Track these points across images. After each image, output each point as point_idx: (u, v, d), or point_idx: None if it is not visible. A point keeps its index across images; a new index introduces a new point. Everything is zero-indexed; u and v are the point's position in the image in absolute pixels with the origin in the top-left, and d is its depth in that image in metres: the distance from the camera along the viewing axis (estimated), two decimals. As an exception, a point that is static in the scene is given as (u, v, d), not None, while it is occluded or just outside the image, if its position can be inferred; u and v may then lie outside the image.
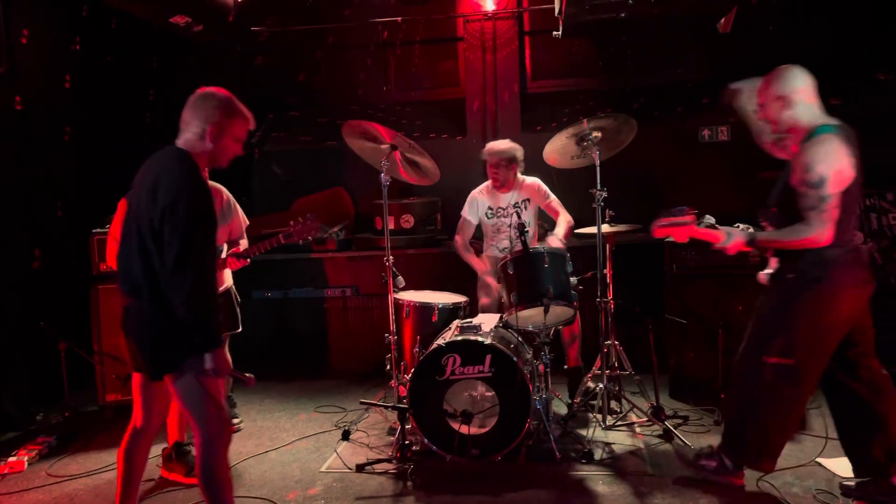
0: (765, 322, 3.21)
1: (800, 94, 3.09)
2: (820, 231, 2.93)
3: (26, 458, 4.09)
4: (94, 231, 4.84)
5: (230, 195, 4.13)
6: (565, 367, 4.67)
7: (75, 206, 5.43)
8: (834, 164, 2.92)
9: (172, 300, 2.60)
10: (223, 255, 4.03)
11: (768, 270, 3.31)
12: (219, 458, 2.77)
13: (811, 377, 3.16)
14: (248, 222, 4.24)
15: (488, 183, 4.85)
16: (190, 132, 2.78)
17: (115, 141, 5.92)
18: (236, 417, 4.59)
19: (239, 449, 4.19)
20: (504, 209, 4.75)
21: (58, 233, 5.29)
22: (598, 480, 3.55)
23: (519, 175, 4.76)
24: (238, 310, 4.34)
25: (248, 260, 3.95)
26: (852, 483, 3.25)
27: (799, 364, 3.10)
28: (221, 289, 4.16)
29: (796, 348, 3.09)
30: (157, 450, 4.03)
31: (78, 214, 5.34)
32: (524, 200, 4.74)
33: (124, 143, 6.01)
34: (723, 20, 5.07)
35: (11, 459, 4.07)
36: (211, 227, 2.72)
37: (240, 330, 4.35)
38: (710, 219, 4.71)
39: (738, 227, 3.30)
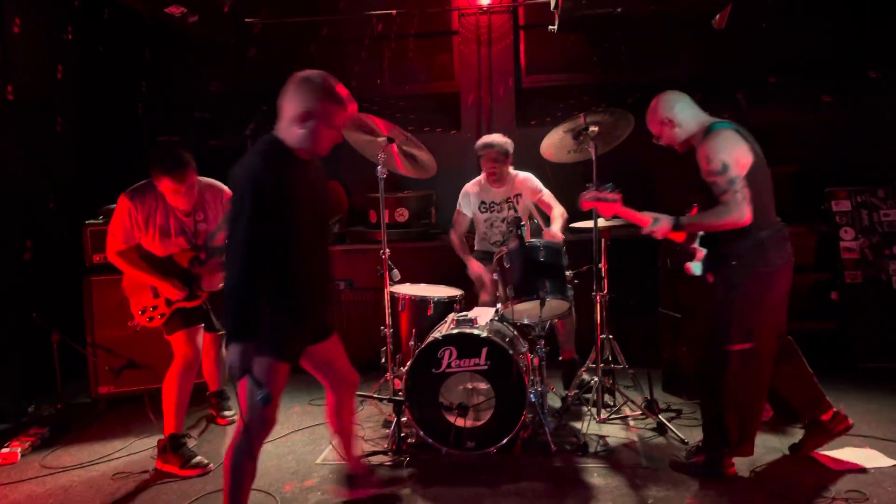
0: (717, 312, 3.34)
1: (678, 110, 3.41)
2: (738, 211, 3.13)
3: (19, 450, 4.07)
4: (87, 222, 4.82)
5: (226, 193, 4.10)
6: (560, 358, 4.69)
7: (68, 197, 5.40)
8: (731, 150, 3.19)
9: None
10: (223, 258, 4.02)
11: (696, 262, 3.41)
12: (250, 446, 2.79)
13: (770, 353, 3.38)
14: None
15: (480, 178, 4.86)
16: (284, 119, 2.73)
17: (108, 132, 5.89)
18: (229, 410, 4.58)
19: (234, 441, 4.19)
20: (497, 204, 4.76)
21: (50, 224, 5.26)
22: (594, 472, 3.57)
23: (511, 170, 4.77)
24: None
25: None
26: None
27: (758, 345, 3.28)
28: (221, 285, 4.15)
29: (753, 331, 3.27)
30: (152, 441, 4.06)
31: (70, 205, 5.31)
32: (516, 195, 4.76)
33: (117, 134, 5.99)
34: (718, 16, 5.09)
35: (4, 451, 4.05)
36: (276, 222, 2.62)
37: None
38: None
39: None
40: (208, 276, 3.96)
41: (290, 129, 2.72)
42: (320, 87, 2.71)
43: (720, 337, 3.30)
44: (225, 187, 4.06)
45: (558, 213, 4.60)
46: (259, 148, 2.73)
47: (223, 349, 4.40)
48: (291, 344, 2.84)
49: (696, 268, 3.37)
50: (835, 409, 3.51)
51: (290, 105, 2.71)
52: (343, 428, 3.29)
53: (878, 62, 5.69)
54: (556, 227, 4.46)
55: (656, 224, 3.36)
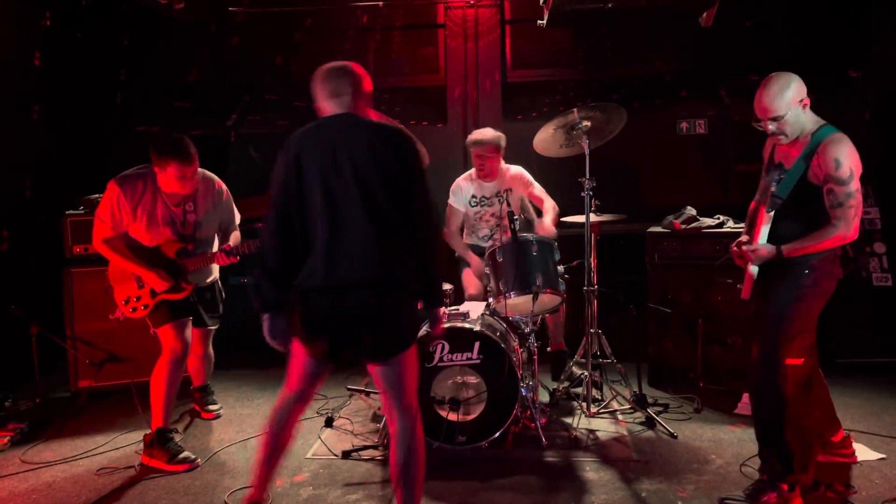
0: (780, 322, 3.08)
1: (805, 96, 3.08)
2: (846, 228, 2.95)
3: (-2, 445, 3.98)
4: (67, 213, 4.72)
5: (224, 186, 4.05)
6: (548, 349, 4.70)
7: (45, 186, 5.27)
8: (855, 159, 2.97)
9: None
10: (213, 250, 3.97)
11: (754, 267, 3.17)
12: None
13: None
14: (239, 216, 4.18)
15: (472, 172, 4.83)
16: (347, 97, 2.74)
17: (87, 121, 5.76)
18: (214, 405, 4.51)
19: (220, 436, 4.13)
20: (488, 198, 4.75)
21: (27, 214, 5.13)
22: (586, 466, 3.58)
23: (503, 164, 4.76)
24: (221, 305, 4.26)
25: (238, 257, 3.87)
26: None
27: (808, 360, 3.15)
28: (208, 280, 4.09)
29: (808, 344, 3.14)
30: (135, 436, 3.99)
31: (49, 195, 5.18)
32: (507, 189, 4.74)
33: (96, 123, 5.87)
34: (705, 14, 5.13)
35: (-18, 446, 3.95)
36: None
37: (217, 326, 4.29)
38: (690, 210, 4.81)
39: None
40: (195, 268, 3.89)
41: (364, 108, 2.80)
42: (361, 73, 2.83)
43: (780, 349, 3.05)
44: (216, 178, 4.00)
45: (549, 206, 4.60)
46: (381, 121, 2.81)
47: (209, 346, 4.34)
48: None
49: (755, 270, 3.14)
50: (845, 433, 3.50)
51: (349, 87, 2.76)
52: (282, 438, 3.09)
53: (858, 62, 5.78)
54: (548, 220, 4.47)
55: (757, 250, 3.08)
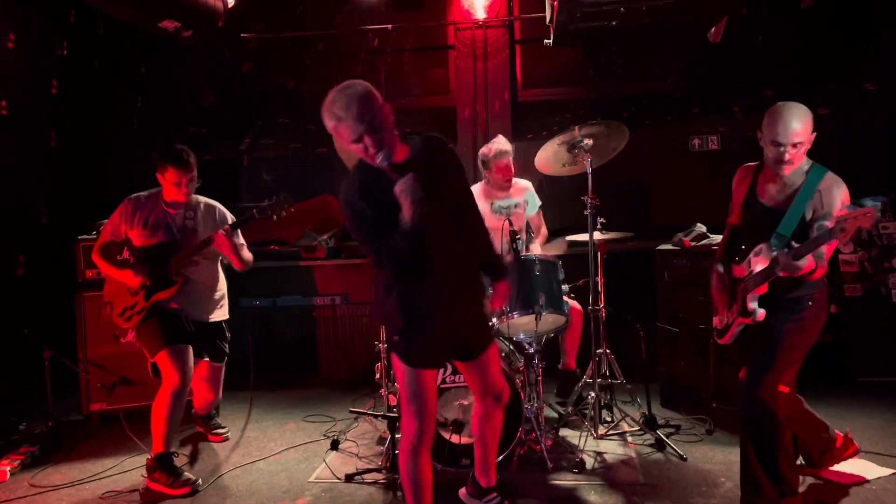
0: (789, 350, 3.09)
1: None
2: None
3: (8, 469, 4.00)
4: (80, 238, 4.79)
5: (222, 208, 4.15)
6: (559, 367, 4.63)
7: (61, 212, 5.37)
8: None
9: None
10: (219, 273, 4.18)
11: (759, 309, 3.09)
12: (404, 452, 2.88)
13: None
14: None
15: (479, 186, 4.76)
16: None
17: (102, 147, 5.87)
18: (221, 427, 4.53)
19: (226, 459, 4.14)
20: (505, 208, 4.66)
21: (43, 239, 5.23)
22: (591, 490, 3.51)
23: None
24: (226, 345, 4.30)
25: (230, 240, 3.85)
26: None
27: (791, 389, 3.17)
28: (213, 318, 4.17)
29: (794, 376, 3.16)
30: (143, 459, 4.00)
31: (63, 221, 5.27)
32: (516, 204, 4.70)
33: (111, 149, 5.97)
34: (713, 30, 5.08)
35: (-7, 469, 4.00)
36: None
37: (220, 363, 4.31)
38: (700, 227, 4.75)
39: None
40: (183, 258, 3.90)
41: None
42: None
43: (776, 376, 3.05)
44: (220, 208, 4.12)
45: (540, 232, 4.67)
46: None
47: (220, 391, 4.37)
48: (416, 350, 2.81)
49: (761, 315, 3.08)
50: (842, 434, 3.47)
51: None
52: (482, 437, 3.19)
53: (872, 74, 5.68)
54: (535, 247, 4.54)
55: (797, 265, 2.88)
